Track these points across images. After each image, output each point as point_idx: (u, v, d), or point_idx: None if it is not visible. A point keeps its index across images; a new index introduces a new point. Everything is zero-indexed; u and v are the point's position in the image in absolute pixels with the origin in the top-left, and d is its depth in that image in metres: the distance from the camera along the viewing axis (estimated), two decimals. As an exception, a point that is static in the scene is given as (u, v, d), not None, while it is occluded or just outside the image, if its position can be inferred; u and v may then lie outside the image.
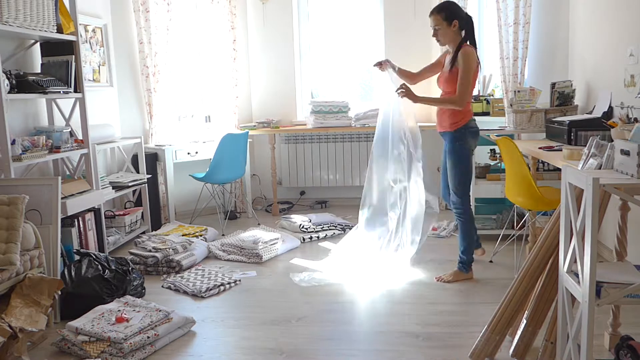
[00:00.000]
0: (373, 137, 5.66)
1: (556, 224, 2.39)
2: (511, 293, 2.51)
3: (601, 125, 3.42)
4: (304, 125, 5.75)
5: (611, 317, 2.54)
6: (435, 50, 5.45)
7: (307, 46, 5.94)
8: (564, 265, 2.18)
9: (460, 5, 5.11)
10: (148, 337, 2.71)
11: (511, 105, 4.41)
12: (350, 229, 4.82)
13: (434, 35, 3.47)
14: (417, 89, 3.64)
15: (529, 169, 3.48)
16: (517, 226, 4.00)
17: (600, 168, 2.27)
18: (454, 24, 3.39)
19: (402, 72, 3.76)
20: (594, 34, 4.13)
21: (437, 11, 3.42)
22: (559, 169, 3.20)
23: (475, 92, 5.54)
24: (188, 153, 5.14)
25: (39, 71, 3.80)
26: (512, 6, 4.71)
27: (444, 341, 2.73)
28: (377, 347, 2.70)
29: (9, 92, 3.24)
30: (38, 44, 3.85)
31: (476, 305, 3.12)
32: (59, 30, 3.68)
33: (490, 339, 2.52)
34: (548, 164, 3.89)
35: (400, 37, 5.61)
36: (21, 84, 3.38)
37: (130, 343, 2.63)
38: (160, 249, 3.95)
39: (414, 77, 3.80)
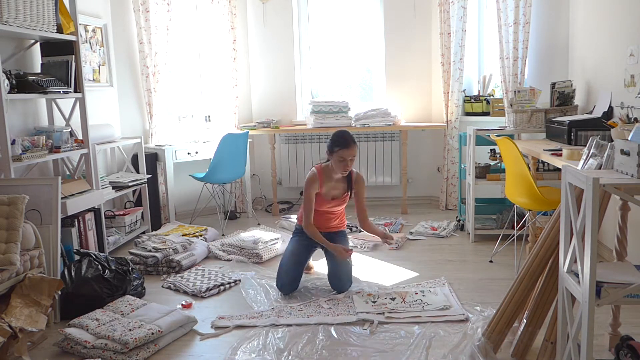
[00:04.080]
0: (373, 137, 5.71)
1: (556, 224, 2.40)
2: (511, 293, 2.51)
3: (601, 125, 3.42)
4: (304, 125, 5.74)
5: (611, 317, 2.54)
6: (435, 50, 5.46)
7: (307, 46, 5.93)
8: (564, 265, 2.18)
9: (459, 6, 5.15)
10: (152, 334, 2.71)
11: (511, 105, 4.41)
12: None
13: (346, 169, 3.41)
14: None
15: (529, 169, 3.48)
16: (517, 226, 4.00)
17: (600, 168, 2.27)
18: None
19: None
20: (594, 34, 4.13)
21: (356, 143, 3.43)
22: (559, 169, 3.20)
23: (475, 92, 5.58)
24: (188, 153, 5.14)
25: (39, 71, 3.80)
26: (512, 6, 4.71)
27: (444, 340, 2.74)
28: (378, 347, 2.70)
29: (9, 92, 3.24)
30: (38, 44, 3.85)
31: (476, 305, 3.12)
32: (59, 30, 3.68)
33: (491, 339, 2.52)
34: (548, 164, 3.89)
35: (400, 37, 5.61)
36: (21, 84, 3.38)
37: (135, 339, 2.63)
38: (160, 249, 3.95)
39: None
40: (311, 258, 3.73)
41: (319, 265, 3.97)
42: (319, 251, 3.65)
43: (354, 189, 3.55)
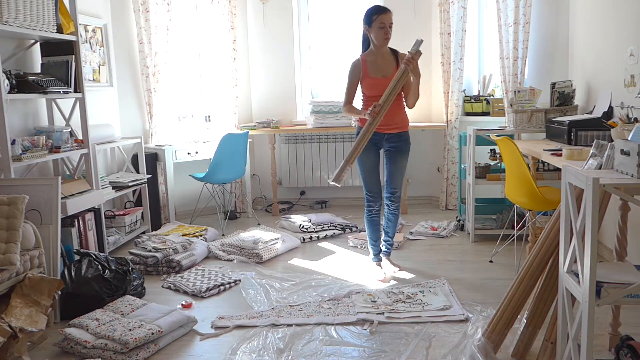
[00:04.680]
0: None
1: (556, 224, 2.40)
2: (511, 293, 2.51)
3: (601, 125, 3.42)
4: (304, 125, 5.74)
5: (611, 317, 2.54)
6: (436, 50, 5.46)
7: (307, 46, 5.93)
8: (564, 265, 2.18)
9: (459, 6, 5.15)
10: (152, 334, 2.71)
11: (511, 105, 4.41)
12: (350, 229, 4.83)
13: (387, 36, 3.50)
14: None
15: (529, 169, 3.48)
16: (517, 226, 4.00)
17: (600, 168, 2.27)
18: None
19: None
20: (594, 34, 4.13)
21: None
22: (559, 169, 3.20)
23: (475, 92, 5.57)
24: (188, 153, 5.13)
25: (39, 71, 3.80)
26: (512, 6, 4.71)
27: (444, 340, 2.74)
28: (377, 346, 2.70)
29: (9, 92, 3.24)
30: (38, 44, 3.85)
31: (476, 305, 3.12)
32: (59, 30, 3.68)
33: (491, 339, 2.52)
34: (548, 164, 3.89)
35: (400, 37, 5.59)
36: (21, 84, 3.38)
37: (135, 339, 2.63)
38: (160, 249, 3.95)
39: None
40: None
41: (325, 263, 3.98)
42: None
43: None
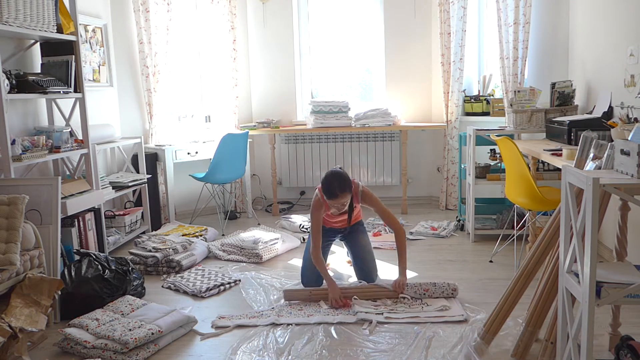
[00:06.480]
0: (373, 137, 5.71)
1: (552, 225, 2.40)
2: (506, 294, 2.52)
3: (601, 125, 3.42)
4: (304, 125, 5.74)
5: (611, 317, 2.54)
6: (435, 50, 5.46)
7: (307, 46, 5.93)
8: (564, 265, 2.18)
9: (459, 6, 5.15)
10: (152, 334, 2.71)
11: (511, 105, 4.41)
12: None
13: (341, 210, 3.31)
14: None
15: (529, 169, 3.48)
16: (517, 226, 4.00)
17: (600, 168, 2.27)
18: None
19: None
20: (594, 34, 4.13)
21: (347, 191, 3.23)
22: (559, 169, 3.20)
23: (475, 92, 5.57)
24: (188, 153, 5.14)
25: (39, 71, 3.80)
26: (512, 6, 4.71)
27: (444, 340, 2.74)
28: (378, 347, 2.70)
29: (9, 92, 3.24)
30: (38, 44, 3.85)
31: (476, 305, 3.12)
32: (59, 30, 3.68)
33: (485, 339, 2.54)
34: (548, 164, 3.89)
35: (400, 37, 5.61)
36: (21, 84, 3.38)
37: (135, 339, 2.63)
38: (160, 249, 3.95)
39: None
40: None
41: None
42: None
43: (366, 205, 3.46)
